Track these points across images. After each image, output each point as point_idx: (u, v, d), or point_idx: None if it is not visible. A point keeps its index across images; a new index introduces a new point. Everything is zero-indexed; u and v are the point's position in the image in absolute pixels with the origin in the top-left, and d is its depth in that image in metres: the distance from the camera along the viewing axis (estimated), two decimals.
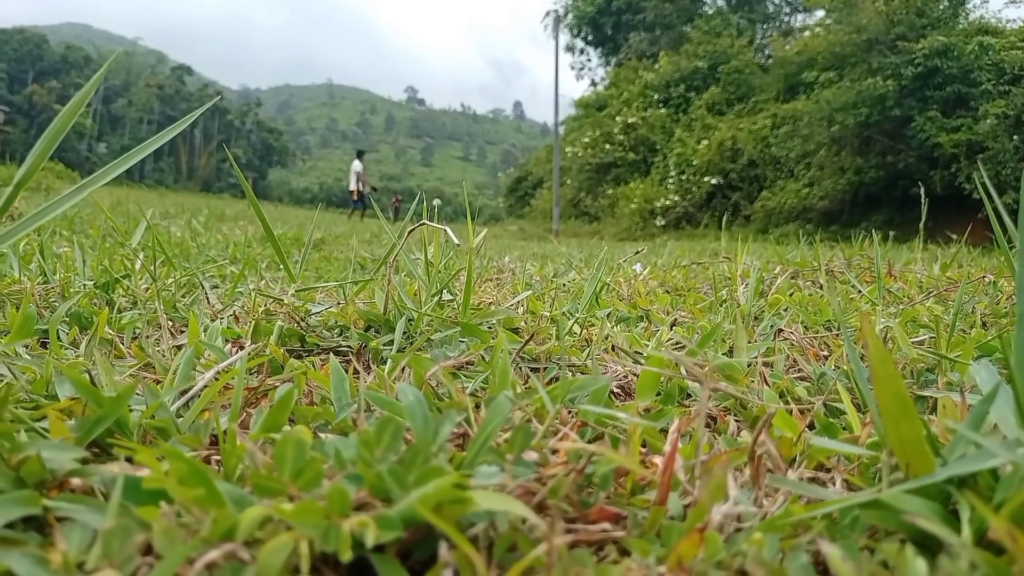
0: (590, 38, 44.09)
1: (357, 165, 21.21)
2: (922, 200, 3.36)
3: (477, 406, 0.84)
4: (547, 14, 44.19)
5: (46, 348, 1.23)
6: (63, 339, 1.27)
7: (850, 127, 21.44)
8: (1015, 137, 18.25)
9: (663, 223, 28.04)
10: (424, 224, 1.54)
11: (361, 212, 20.64)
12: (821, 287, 2.50)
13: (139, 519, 0.51)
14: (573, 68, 46.75)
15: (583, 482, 0.65)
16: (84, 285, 1.77)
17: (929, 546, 0.55)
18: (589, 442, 0.78)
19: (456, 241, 1.46)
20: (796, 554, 0.55)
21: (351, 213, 20.78)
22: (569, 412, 0.88)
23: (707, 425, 0.94)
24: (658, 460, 0.70)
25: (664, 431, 0.85)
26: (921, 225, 3.40)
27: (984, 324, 1.74)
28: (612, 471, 0.65)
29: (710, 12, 39.41)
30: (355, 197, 21.08)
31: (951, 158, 19.55)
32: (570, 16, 43.71)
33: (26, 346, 1.13)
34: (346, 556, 0.48)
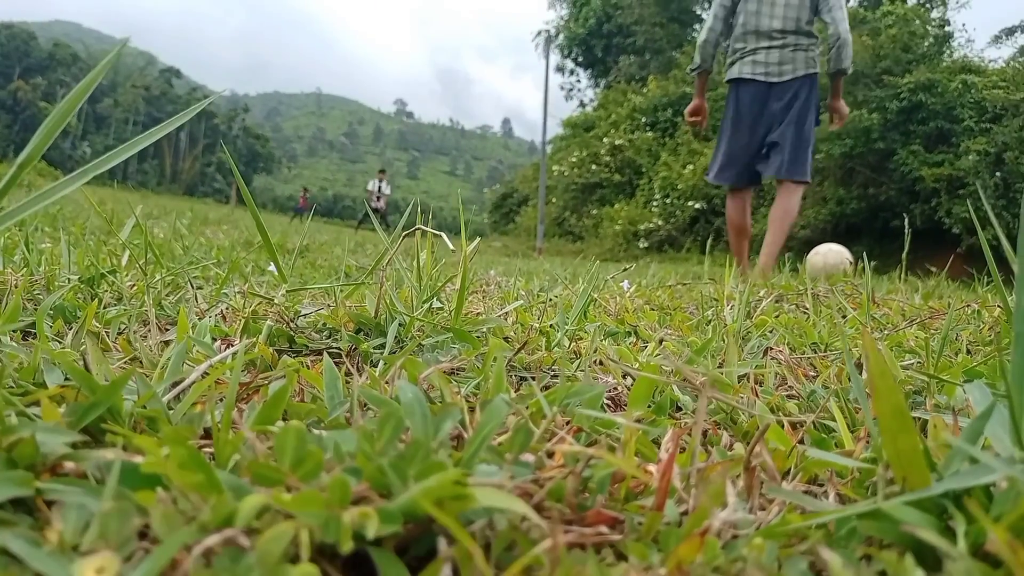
0: (580, 59, 44.37)
1: (385, 186, 21.30)
2: (906, 231, 3.40)
3: (471, 410, 0.83)
4: (538, 33, 44.49)
5: (28, 340, 1.21)
6: (48, 332, 1.26)
7: (834, 157, 21.67)
8: (997, 174, 18.55)
9: (646, 245, 28.14)
10: (419, 229, 1.54)
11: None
12: (806, 310, 2.52)
13: (136, 503, 0.50)
14: (563, 88, 47.01)
15: (579, 486, 0.65)
16: (69, 279, 1.74)
17: (925, 560, 0.55)
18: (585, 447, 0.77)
19: (451, 247, 1.46)
20: (795, 561, 0.55)
21: (385, 227, 21.16)
22: (564, 420, 0.88)
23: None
24: (653, 468, 0.70)
25: (656, 442, 0.85)
26: (904, 255, 3.44)
27: (969, 351, 1.75)
28: (609, 475, 0.65)
29: None
30: (383, 210, 21.25)
31: (932, 192, 19.81)
32: (561, 36, 44.00)
33: (10, 336, 1.12)
34: (347, 547, 0.48)
